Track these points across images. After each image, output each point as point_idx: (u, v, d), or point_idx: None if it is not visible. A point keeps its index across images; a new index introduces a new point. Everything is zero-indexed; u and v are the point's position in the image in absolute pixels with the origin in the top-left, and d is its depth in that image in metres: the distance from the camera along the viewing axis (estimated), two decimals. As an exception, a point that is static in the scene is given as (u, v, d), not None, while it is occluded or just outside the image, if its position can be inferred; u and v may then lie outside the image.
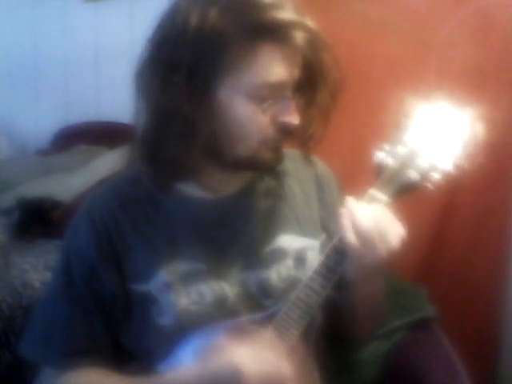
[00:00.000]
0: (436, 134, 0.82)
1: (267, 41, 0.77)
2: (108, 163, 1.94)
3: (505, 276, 1.54)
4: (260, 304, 0.86)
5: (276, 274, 0.88)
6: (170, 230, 0.87)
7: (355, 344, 1.10)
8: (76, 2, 2.52)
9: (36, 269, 1.45)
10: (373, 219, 0.77)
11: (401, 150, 0.82)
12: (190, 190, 0.89)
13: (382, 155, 0.83)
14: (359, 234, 0.77)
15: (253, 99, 0.79)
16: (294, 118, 0.81)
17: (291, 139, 0.87)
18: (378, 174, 0.83)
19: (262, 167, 0.88)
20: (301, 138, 0.89)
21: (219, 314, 0.83)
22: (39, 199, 1.84)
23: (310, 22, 0.79)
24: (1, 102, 2.71)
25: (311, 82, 0.84)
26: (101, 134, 2.31)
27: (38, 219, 1.78)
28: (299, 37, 0.77)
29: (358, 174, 0.82)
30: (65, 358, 0.85)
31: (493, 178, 1.44)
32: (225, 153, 0.83)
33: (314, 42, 0.80)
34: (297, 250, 0.91)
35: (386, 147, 0.83)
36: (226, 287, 0.85)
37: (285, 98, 0.81)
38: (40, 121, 2.69)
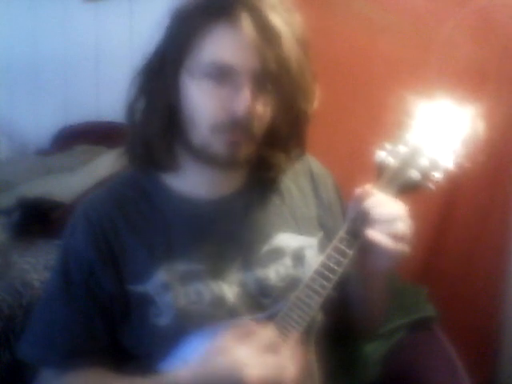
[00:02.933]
0: (437, 134, 0.82)
1: (217, 20, 0.78)
2: (108, 163, 1.94)
3: (505, 275, 1.54)
4: (259, 303, 0.86)
5: (274, 273, 0.88)
6: (168, 230, 0.87)
7: (358, 342, 1.11)
8: (76, 2, 2.52)
9: (36, 269, 1.45)
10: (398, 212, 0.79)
11: (402, 149, 0.82)
12: (187, 190, 0.89)
13: (383, 154, 0.83)
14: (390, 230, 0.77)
15: (204, 81, 0.80)
16: (244, 107, 0.78)
17: (260, 134, 0.84)
18: (379, 173, 0.83)
19: (218, 160, 0.84)
20: (278, 136, 0.87)
21: (218, 314, 0.83)
22: (39, 199, 1.84)
23: (278, 21, 0.78)
24: (1, 102, 2.71)
25: (272, 77, 0.80)
26: (101, 134, 2.31)
27: (37, 219, 1.78)
28: (248, 24, 0.77)
29: (359, 173, 0.82)
30: (64, 358, 0.85)
31: (493, 177, 1.44)
32: (191, 140, 0.84)
33: (268, 29, 0.78)
34: (295, 248, 0.91)
35: (388, 146, 0.83)
36: (225, 287, 0.85)
37: (238, 84, 0.79)
38: (40, 121, 2.69)
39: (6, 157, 2.52)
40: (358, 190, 0.81)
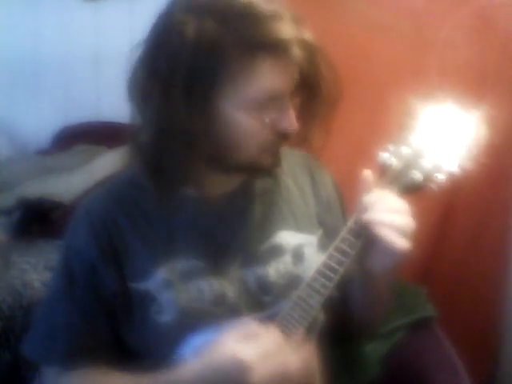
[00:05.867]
0: (440, 135, 0.82)
1: (265, 55, 0.77)
2: (108, 163, 1.94)
3: (505, 276, 1.55)
4: (259, 301, 0.87)
5: (274, 271, 0.88)
6: (169, 228, 0.87)
7: (358, 342, 1.11)
8: (76, 2, 2.52)
9: (36, 269, 1.46)
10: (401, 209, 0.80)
11: (405, 150, 0.83)
12: (188, 189, 0.89)
13: (386, 156, 0.83)
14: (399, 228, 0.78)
15: (252, 111, 0.80)
16: (292, 125, 0.83)
17: (291, 144, 0.89)
18: (381, 174, 0.83)
19: (263, 171, 0.90)
20: (300, 143, 0.90)
21: (219, 311, 0.84)
22: (39, 199, 1.84)
23: (307, 35, 0.81)
24: (1, 102, 2.71)
25: (308, 90, 0.86)
26: (101, 134, 2.31)
27: (37, 219, 1.78)
28: (297, 51, 0.78)
29: (359, 173, 0.82)
30: (67, 357, 0.85)
31: (493, 178, 1.44)
32: (226, 161, 0.84)
33: (312, 54, 0.81)
34: (294, 246, 0.91)
35: (390, 148, 0.83)
36: (225, 284, 0.86)
37: (283, 106, 0.82)
38: (40, 121, 2.69)
39: (6, 157, 2.52)
40: (360, 181, 0.82)
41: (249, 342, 0.74)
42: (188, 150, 0.80)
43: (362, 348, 1.13)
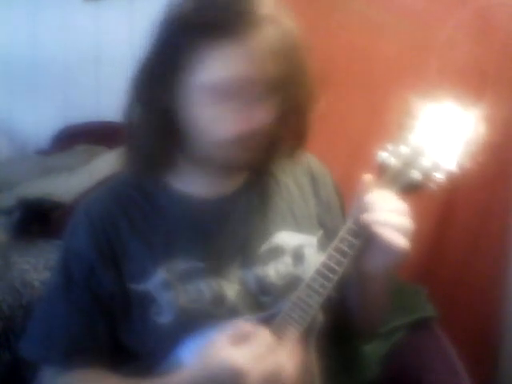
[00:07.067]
0: (439, 134, 0.82)
1: (221, 38, 0.74)
2: (108, 163, 1.94)
3: (505, 276, 1.55)
4: (259, 301, 0.86)
5: (274, 272, 0.88)
6: (168, 229, 0.87)
7: (358, 342, 1.11)
8: (76, 2, 2.52)
9: (36, 269, 1.45)
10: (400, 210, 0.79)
11: (404, 149, 0.83)
12: (187, 189, 0.89)
13: (385, 155, 0.83)
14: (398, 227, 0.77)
15: (215, 97, 0.77)
16: (261, 118, 0.79)
17: (267, 139, 0.83)
18: (380, 173, 0.83)
19: (238, 167, 0.86)
20: (280, 138, 0.86)
21: (218, 312, 0.84)
22: (39, 199, 1.84)
23: (287, 24, 0.77)
24: (1, 102, 2.71)
25: (285, 82, 0.79)
26: (101, 134, 2.30)
27: (38, 219, 1.78)
28: (265, 36, 0.75)
29: (359, 173, 0.82)
30: (65, 357, 0.85)
31: (493, 177, 1.44)
32: (197, 153, 0.83)
33: (291, 46, 0.77)
34: (294, 246, 0.91)
35: (389, 147, 0.83)
36: (225, 285, 0.85)
37: (253, 96, 0.78)
38: (40, 121, 2.69)
39: (6, 157, 2.52)
40: (360, 184, 0.82)
41: (241, 345, 0.73)
42: (164, 136, 0.81)
43: (361, 348, 1.13)
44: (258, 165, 0.88)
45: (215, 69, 0.76)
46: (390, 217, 0.77)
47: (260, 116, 0.79)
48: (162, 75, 0.79)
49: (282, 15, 0.79)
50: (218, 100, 0.77)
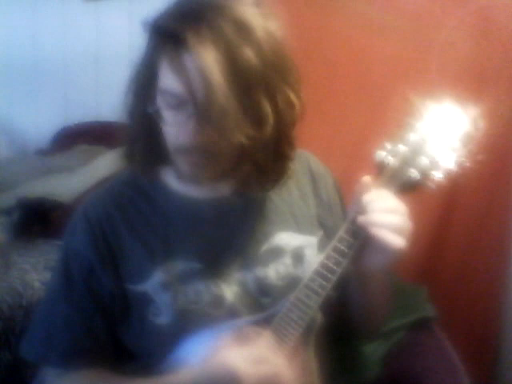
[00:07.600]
0: (437, 133, 0.82)
1: (173, 50, 0.74)
2: (108, 163, 1.94)
3: (505, 276, 1.54)
4: (258, 303, 0.86)
5: (274, 273, 0.88)
6: (166, 229, 0.87)
7: (358, 342, 1.11)
8: (76, 2, 2.52)
9: (36, 269, 1.46)
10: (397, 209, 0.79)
11: (402, 148, 0.83)
12: (186, 190, 0.89)
13: (383, 154, 0.83)
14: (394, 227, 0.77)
15: (166, 104, 0.78)
16: (187, 135, 0.76)
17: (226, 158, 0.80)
18: (379, 172, 0.83)
19: (185, 178, 0.85)
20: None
21: (217, 314, 0.83)
22: (39, 199, 1.84)
23: (229, 39, 0.72)
24: (1, 102, 2.71)
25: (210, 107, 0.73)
26: (101, 134, 2.31)
27: (38, 219, 1.78)
28: (198, 56, 0.71)
29: (359, 173, 0.82)
30: (65, 358, 0.85)
31: (493, 177, 1.44)
32: (168, 153, 0.83)
33: (221, 63, 0.71)
34: (294, 247, 0.91)
35: (387, 146, 0.83)
36: (224, 286, 0.85)
37: (187, 113, 0.75)
38: (40, 121, 2.69)
39: (6, 157, 2.52)
40: (358, 184, 0.81)
41: (241, 349, 0.73)
42: (146, 134, 0.83)
43: (361, 348, 1.13)
44: (235, 181, 0.88)
45: (165, 77, 0.76)
46: (385, 217, 0.77)
47: (189, 134, 0.76)
48: (142, 77, 0.81)
49: (247, 33, 0.73)
50: (168, 107, 0.78)
